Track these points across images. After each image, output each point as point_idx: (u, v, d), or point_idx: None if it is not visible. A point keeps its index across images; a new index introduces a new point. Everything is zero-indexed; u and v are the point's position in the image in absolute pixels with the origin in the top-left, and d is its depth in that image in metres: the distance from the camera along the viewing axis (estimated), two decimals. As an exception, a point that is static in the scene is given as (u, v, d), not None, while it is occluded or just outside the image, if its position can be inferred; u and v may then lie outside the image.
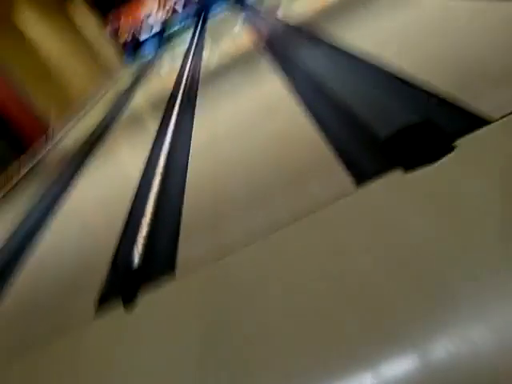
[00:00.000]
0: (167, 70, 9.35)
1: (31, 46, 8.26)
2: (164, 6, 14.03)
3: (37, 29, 8.71)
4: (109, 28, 13.90)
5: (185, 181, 2.58)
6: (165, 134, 3.78)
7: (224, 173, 2.49)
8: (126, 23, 13.97)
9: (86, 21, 12.48)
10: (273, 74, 3.79)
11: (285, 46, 4.72)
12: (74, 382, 1.56)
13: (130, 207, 2.62)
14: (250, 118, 3.12)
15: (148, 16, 14.04)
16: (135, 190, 2.82)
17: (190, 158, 2.97)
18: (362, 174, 1.68)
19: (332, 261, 1.40)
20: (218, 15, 13.21)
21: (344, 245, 1.44)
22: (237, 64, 5.37)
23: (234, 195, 2.17)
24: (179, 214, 2.21)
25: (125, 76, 11.33)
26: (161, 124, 4.33)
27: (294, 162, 2.14)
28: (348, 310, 1.20)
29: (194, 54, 8.18)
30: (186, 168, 2.79)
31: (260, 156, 2.44)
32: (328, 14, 5.15)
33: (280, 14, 7.23)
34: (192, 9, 13.97)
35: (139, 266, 1.88)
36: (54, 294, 2.16)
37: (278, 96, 3.14)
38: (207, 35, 10.05)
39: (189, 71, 6.58)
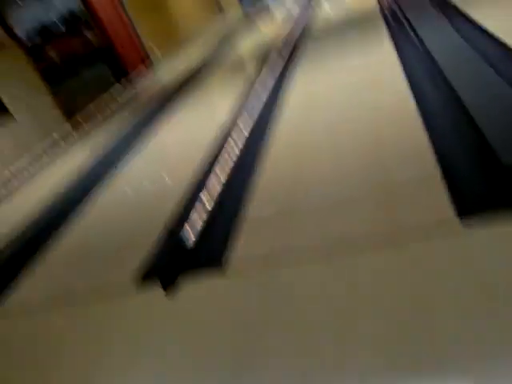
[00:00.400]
0: (281, 16, 8.94)
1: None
2: None
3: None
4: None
5: (264, 152, 2.35)
6: (260, 88, 3.58)
7: (308, 155, 2.22)
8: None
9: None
10: (389, 45, 3.37)
11: (411, 13, 4.20)
12: (101, 349, 1.48)
13: (202, 169, 2.46)
14: (350, 92, 2.80)
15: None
16: (214, 148, 2.66)
17: (277, 123, 2.74)
18: (468, 204, 1.35)
19: (402, 310, 1.15)
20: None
21: (422, 295, 1.17)
22: (353, 23, 4.93)
23: (313, 188, 1.90)
24: (248, 193, 2.00)
25: (237, 17, 11.06)
26: (258, 76, 4.10)
27: (388, 163, 1.83)
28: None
29: (310, 3, 7.71)
30: (269, 135, 2.57)
31: (351, 144, 2.14)
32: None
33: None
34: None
35: (191, 247, 1.73)
36: (106, 248, 2.09)
37: (388, 75, 2.77)
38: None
39: (301, 23, 6.20)
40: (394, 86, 2.55)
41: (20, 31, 7.30)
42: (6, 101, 4.33)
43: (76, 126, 5.09)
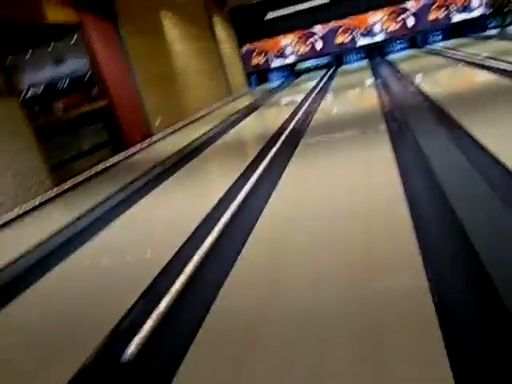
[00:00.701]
0: (285, 103, 9.13)
1: (165, 48, 8.44)
2: (304, 41, 14.01)
3: (174, 32, 8.91)
4: (244, 48, 14.14)
5: (236, 259, 2.05)
6: (249, 178, 3.39)
7: (287, 265, 1.94)
8: (262, 47, 14.14)
9: (224, 35, 12.77)
10: (387, 148, 3.26)
11: (411, 120, 4.17)
12: None
13: (167, 268, 2.16)
14: (342, 196, 2.59)
15: (285, 46, 14.09)
16: (181, 245, 2.37)
17: (257, 224, 2.43)
18: (466, 363, 1.11)
19: None
20: (354, 64, 12.95)
21: None
22: (353, 122, 4.92)
23: (283, 315, 1.57)
24: (205, 313, 1.66)
25: (243, 98, 11.34)
26: (251, 163, 3.96)
27: (378, 295, 1.57)
28: None
29: (314, 97, 7.87)
30: (246, 239, 2.24)
31: (337, 260, 1.86)
32: (466, 99, 4.56)
33: (415, 83, 6.68)
34: (330, 51, 13.81)
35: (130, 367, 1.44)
36: (41, 344, 1.78)
37: (384, 181, 2.61)
38: (335, 82, 9.73)
39: (303, 114, 6.24)
40: (389, 195, 2.37)
41: (23, 83, 7.35)
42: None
43: (61, 187, 4.90)
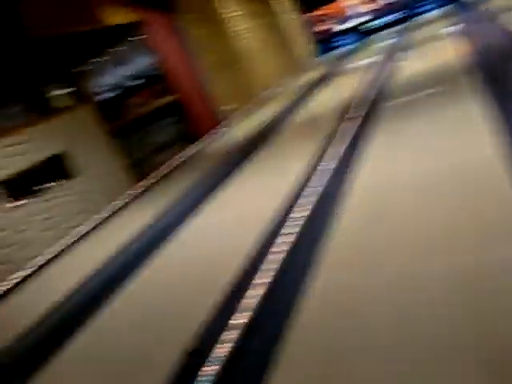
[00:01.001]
0: (357, 69, 8.60)
1: (226, 31, 8.24)
2: (368, 1, 13.14)
3: (233, 13, 8.66)
4: (306, 16, 13.52)
5: (320, 252, 1.86)
6: (328, 160, 3.19)
7: (374, 272, 1.70)
8: (324, 13, 13.48)
9: (286, 7, 12.27)
10: (479, 110, 2.85)
11: (505, 70, 3.65)
12: None
13: (243, 268, 2.03)
14: (435, 177, 2.26)
15: (349, 8, 13.30)
16: (262, 239, 2.23)
17: (340, 215, 2.23)
18: None
19: None
20: (428, 14, 11.90)
21: None
22: (438, 82, 4.41)
23: (376, 326, 1.37)
24: (293, 312, 1.54)
25: (313, 69, 10.90)
26: (331, 141, 3.69)
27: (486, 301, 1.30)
28: None
29: (389, 58, 7.31)
30: (329, 231, 2.07)
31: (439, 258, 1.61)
32: None
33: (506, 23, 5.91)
34: (397, 6, 12.77)
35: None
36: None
37: (483, 155, 2.24)
38: (410, 38, 8.99)
39: (379, 78, 5.80)
40: (493, 171, 2.02)
41: (94, 88, 7.57)
42: (75, 157, 4.36)
43: (139, 186, 4.96)
